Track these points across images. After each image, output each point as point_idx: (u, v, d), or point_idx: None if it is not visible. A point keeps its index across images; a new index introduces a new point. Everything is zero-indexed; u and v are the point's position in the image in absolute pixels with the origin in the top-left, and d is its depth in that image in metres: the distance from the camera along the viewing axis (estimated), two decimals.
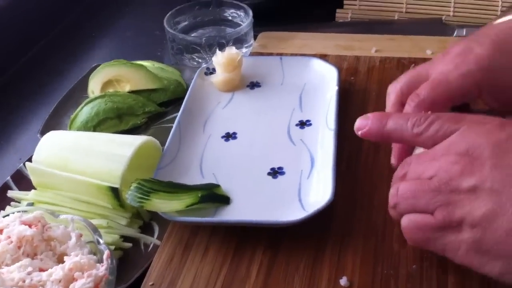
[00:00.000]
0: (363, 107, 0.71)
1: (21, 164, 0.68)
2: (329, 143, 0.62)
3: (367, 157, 0.64)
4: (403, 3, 0.93)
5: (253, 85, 0.75)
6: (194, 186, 0.59)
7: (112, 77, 0.78)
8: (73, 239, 0.52)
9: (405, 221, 0.47)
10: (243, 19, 0.88)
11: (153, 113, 0.77)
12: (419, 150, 0.52)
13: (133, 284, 0.55)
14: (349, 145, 0.65)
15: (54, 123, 0.76)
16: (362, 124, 0.50)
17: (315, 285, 0.51)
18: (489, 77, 0.53)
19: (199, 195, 0.57)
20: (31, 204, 0.62)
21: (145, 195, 0.56)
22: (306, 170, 0.61)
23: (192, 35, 0.90)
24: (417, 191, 0.45)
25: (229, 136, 0.67)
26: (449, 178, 0.43)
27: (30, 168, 0.63)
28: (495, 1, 0.91)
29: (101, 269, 0.49)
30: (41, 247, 0.52)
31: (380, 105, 0.70)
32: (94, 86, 0.78)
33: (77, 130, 0.73)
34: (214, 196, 0.59)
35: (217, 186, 0.60)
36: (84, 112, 0.74)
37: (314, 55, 0.77)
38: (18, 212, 0.55)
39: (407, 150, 0.56)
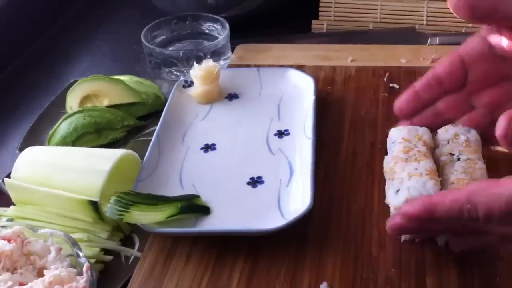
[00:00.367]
0: (340, 116, 0.71)
1: (0, 181, 0.68)
2: (307, 151, 0.63)
3: (345, 165, 0.64)
4: (377, 13, 0.95)
5: (231, 96, 0.76)
6: (174, 197, 0.59)
7: (90, 92, 0.78)
8: (53, 253, 0.52)
9: None
10: (220, 32, 0.89)
11: (132, 127, 0.77)
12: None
13: None
14: (326, 153, 0.66)
15: (33, 139, 0.76)
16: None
17: None
18: None
19: (179, 206, 0.58)
20: (11, 220, 0.62)
21: (124, 208, 0.56)
22: (285, 179, 0.62)
23: (170, 49, 0.90)
24: None
25: (208, 148, 0.68)
26: None
27: (9, 184, 0.63)
28: None
29: (81, 281, 0.50)
30: (21, 262, 0.52)
31: (356, 114, 0.71)
32: (72, 101, 0.78)
33: (56, 145, 0.72)
34: (194, 206, 0.59)
35: (197, 196, 0.60)
36: (63, 127, 0.74)
37: (291, 66, 0.78)
38: None
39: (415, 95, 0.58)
